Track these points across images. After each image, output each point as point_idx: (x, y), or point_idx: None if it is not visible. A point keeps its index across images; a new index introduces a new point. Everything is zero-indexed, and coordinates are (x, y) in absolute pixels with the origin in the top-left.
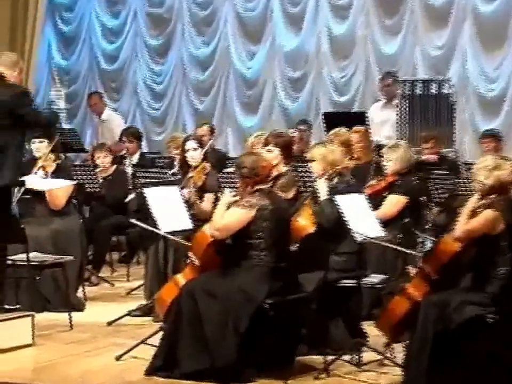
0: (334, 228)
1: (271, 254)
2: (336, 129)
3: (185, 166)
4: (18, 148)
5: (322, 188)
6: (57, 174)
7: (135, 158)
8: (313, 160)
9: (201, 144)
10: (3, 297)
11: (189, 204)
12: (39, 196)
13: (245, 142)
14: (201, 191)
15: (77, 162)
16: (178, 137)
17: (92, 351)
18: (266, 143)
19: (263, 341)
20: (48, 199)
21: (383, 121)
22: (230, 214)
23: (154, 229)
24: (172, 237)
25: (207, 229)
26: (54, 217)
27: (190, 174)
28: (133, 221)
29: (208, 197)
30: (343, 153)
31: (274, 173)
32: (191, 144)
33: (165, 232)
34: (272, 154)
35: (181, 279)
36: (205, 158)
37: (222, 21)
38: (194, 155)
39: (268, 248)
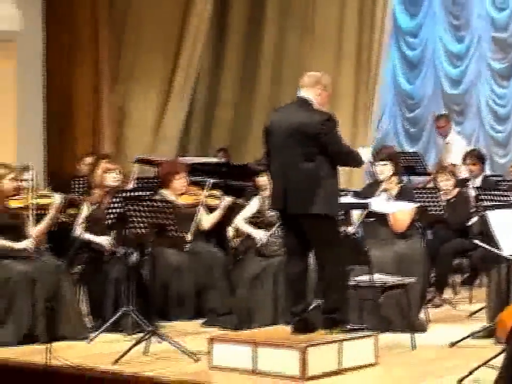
0: None
1: None
2: None
3: None
4: (329, 176)
5: None
6: (400, 196)
7: (478, 181)
8: None
9: None
10: (347, 317)
11: None
12: (382, 218)
13: None
14: None
15: (420, 185)
16: None
17: (435, 372)
18: None
19: None
20: (392, 221)
21: None
22: None
23: (497, 251)
24: None
25: None
26: (397, 239)
27: None
28: (476, 241)
29: None
30: None
31: None
32: None
33: (508, 254)
34: None
35: None
36: None
37: None
38: None
39: None
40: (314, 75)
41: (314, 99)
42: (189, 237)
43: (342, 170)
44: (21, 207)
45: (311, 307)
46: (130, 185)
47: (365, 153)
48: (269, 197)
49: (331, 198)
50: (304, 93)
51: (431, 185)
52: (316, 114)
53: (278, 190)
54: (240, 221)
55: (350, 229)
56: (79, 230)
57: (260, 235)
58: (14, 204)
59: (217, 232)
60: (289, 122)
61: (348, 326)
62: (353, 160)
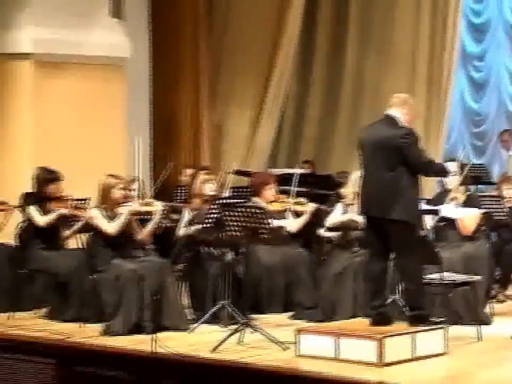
0: None
1: None
2: None
3: None
4: (408, 185)
5: None
6: (466, 203)
7: None
8: None
9: None
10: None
11: None
12: (450, 223)
13: None
14: None
15: (485, 193)
16: None
17: (498, 360)
18: None
19: None
20: (459, 225)
21: None
22: None
23: None
24: None
25: None
26: (465, 242)
27: None
28: None
29: None
30: None
31: None
32: None
33: None
34: None
35: None
36: None
37: None
38: None
39: None
40: (403, 96)
41: (401, 117)
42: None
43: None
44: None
45: (388, 302)
46: (226, 194)
47: (452, 166)
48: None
49: (411, 205)
50: (392, 111)
51: (495, 193)
52: (399, 129)
53: (365, 196)
54: (330, 223)
55: (422, 233)
56: (181, 233)
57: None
58: (123, 210)
59: (304, 235)
60: (376, 136)
61: (432, 319)
62: (433, 170)
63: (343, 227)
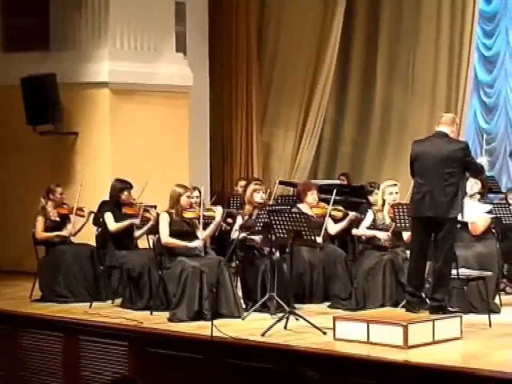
0: None
1: None
2: None
3: None
4: (462, 187)
5: None
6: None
7: None
8: None
9: None
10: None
11: None
12: (464, 225)
13: None
14: None
15: (496, 202)
16: None
17: (507, 344)
18: None
19: None
20: (470, 228)
21: None
22: None
23: None
24: None
25: None
26: (476, 242)
27: None
28: None
29: None
30: None
31: None
32: None
33: None
34: None
35: None
36: None
37: None
38: None
39: None
40: (451, 116)
41: (450, 133)
42: (318, 239)
43: None
44: (193, 217)
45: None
46: (273, 201)
47: (484, 163)
48: (412, 206)
49: (462, 204)
50: (443, 128)
51: (504, 201)
52: (458, 143)
53: (427, 200)
54: (363, 228)
55: None
56: (235, 235)
57: (383, 235)
58: (188, 215)
59: (341, 237)
60: (439, 151)
61: (451, 309)
62: (481, 172)
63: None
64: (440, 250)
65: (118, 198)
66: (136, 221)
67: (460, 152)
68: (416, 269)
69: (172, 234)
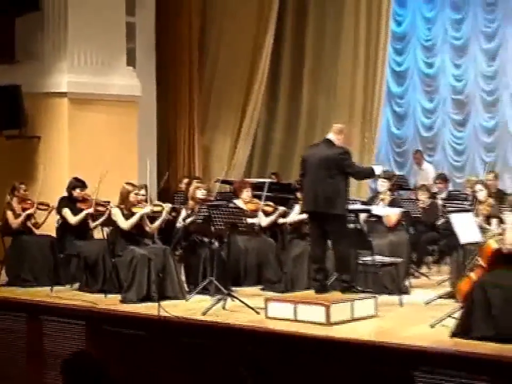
0: None
1: None
2: None
3: (475, 201)
4: (344, 188)
5: None
6: (391, 204)
7: (444, 194)
8: None
9: (486, 186)
10: (355, 283)
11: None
12: (379, 218)
13: None
14: (486, 218)
15: (405, 197)
16: (471, 181)
17: (416, 321)
18: None
19: None
20: (385, 220)
21: None
22: None
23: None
24: (469, 246)
25: (493, 243)
26: (389, 233)
27: (478, 206)
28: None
29: (493, 221)
30: None
31: None
32: (478, 187)
33: (463, 243)
34: None
35: (473, 275)
36: (490, 195)
37: None
38: (480, 194)
39: None
40: (340, 127)
41: (335, 140)
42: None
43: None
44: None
45: (333, 279)
46: (213, 198)
47: (377, 169)
48: (302, 203)
49: (345, 203)
50: (330, 136)
51: (413, 197)
52: (338, 149)
53: (310, 197)
54: (290, 219)
55: (358, 226)
56: (179, 226)
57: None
58: (136, 210)
59: (272, 228)
60: (320, 154)
61: (358, 288)
62: (364, 175)
63: (299, 223)
64: (334, 240)
65: (71, 195)
66: (91, 211)
67: (337, 156)
68: (314, 256)
69: None
